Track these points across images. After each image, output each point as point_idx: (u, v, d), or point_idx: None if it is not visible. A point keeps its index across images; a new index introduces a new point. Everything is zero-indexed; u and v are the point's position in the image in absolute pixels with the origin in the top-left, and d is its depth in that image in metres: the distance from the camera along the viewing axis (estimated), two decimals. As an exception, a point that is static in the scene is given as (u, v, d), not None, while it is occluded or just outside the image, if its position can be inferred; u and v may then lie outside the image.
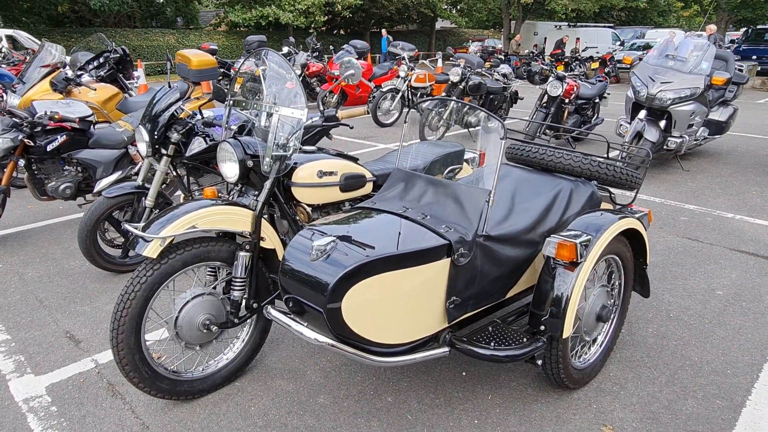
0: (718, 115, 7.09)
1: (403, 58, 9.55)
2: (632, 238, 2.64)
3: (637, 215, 2.65)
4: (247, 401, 2.47)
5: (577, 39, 21.37)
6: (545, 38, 24.17)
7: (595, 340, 2.68)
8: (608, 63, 17.58)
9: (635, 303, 3.34)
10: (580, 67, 13.14)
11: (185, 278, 3.18)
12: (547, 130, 7.55)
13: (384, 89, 9.18)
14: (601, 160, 2.76)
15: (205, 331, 2.38)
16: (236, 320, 2.46)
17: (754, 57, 18.57)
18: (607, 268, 2.65)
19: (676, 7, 32.40)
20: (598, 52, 18.82)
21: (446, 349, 2.20)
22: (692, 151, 7.21)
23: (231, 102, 2.70)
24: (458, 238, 2.09)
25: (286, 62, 2.50)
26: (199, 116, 3.48)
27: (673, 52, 6.28)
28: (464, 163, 3.41)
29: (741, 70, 7.59)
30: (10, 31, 14.41)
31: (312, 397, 2.51)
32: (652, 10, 34.17)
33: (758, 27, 20.75)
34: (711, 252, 4.19)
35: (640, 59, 7.19)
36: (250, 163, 2.47)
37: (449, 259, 2.08)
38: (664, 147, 6.19)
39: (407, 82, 9.17)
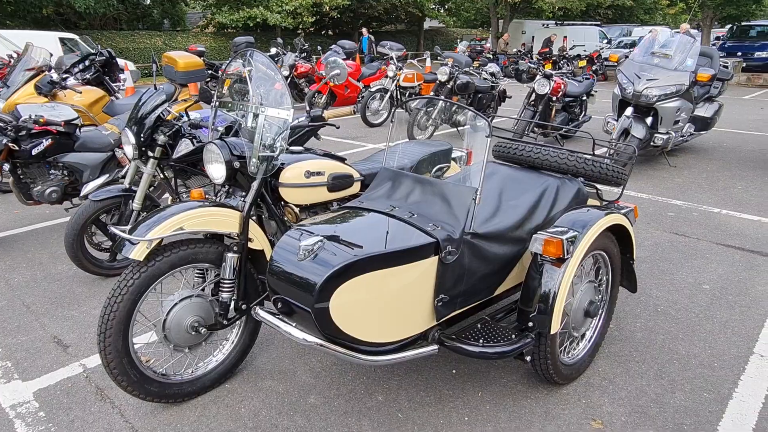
0: (704, 111, 7.16)
1: (392, 58, 9.56)
2: (619, 233, 2.66)
3: (623, 211, 2.67)
4: (237, 402, 2.46)
5: (565, 37, 21.49)
6: (533, 37, 24.27)
7: (583, 336, 2.69)
8: (596, 61, 17.68)
9: (623, 298, 3.37)
10: (568, 66, 13.21)
11: (173, 280, 3.17)
12: (535, 128, 7.59)
13: (372, 89, 9.19)
14: (587, 156, 2.78)
15: (193, 333, 2.37)
16: (225, 322, 2.45)
17: (739, 53, 18.76)
18: (595, 263, 2.66)
19: (661, 4, 32.64)
20: (585, 50, 18.92)
21: (435, 347, 2.21)
22: (679, 147, 7.28)
23: (217, 103, 2.69)
24: (445, 236, 2.09)
25: (271, 63, 2.50)
26: (185, 118, 3.47)
27: (658, 49, 6.34)
28: (452, 162, 3.42)
29: (726, 67, 7.67)
30: (67, 35, 13.86)
31: (302, 397, 2.50)
32: (638, 7, 34.38)
33: (743, 24, 20.97)
34: (698, 246, 4.23)
35: (627, 57, 7.23)
36: (236, 164, 2.47)
37: (437, 257, 2.09)
38: (651, 143, 6.24)
39: (396, 81, 9.18)
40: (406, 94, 9.37)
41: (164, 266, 2.24)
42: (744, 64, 17.97)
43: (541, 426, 2.31)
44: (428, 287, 2.11)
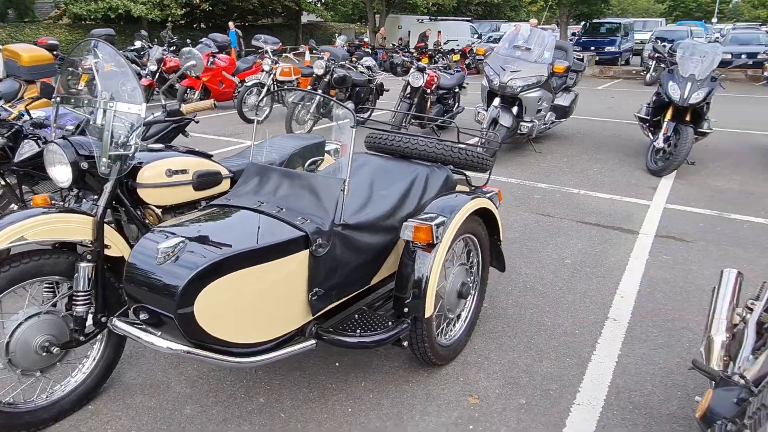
0: (562, 100, 7.76)
1: (267, 52, 9.32)
2: (486, 216, 2.78)
3: (488, 195, 2.80)
4: (102, 424, 2.26)
5: (439, 32, 22.30)
6: (409, 31, 24.95)
7: (459, 317, 2.80)
8: (468, 55, 18.58)
9: (496, 277, 3.55)
10: (443, 59, 13.74)
11: (17, 298, 2.84)
12: (412, 120, 7.79)
13: (249, 84, 8.91)
14: (458, 145, 2.88)
15: (44, 354, 2.13)
16: (82, 338, 2.23)
17: (593, 48, 20.60)
18: (465, 246, 2.77)
19: (525, 2, 35.07)
20: (458, 45, 19.80)
21: (313, 341, 2.17)
22: (543, 134, 7.83)
23: (59, 99, 2.44)
24: (315, 229, 2.06)
25: (118, 54, 2.31)
26: (27, 117, 3.11)
27: (520, 43, 6.76)
28: (326, 155, 3.40)
29: (581, 60, 8.36)
30: None
31: (177, 409, 2.36)
32: (504, 4, 36.70)
33: (594, 21, 23.07)
34: (560, 225, 4.58)
35: (492, 50, 7.65)
36: (84, 165, 2.26)
37: (307, 250, 2.05)
38: (518, 131, 6.65)
39: (272, 76, 8.97)
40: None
41: (2, 282, 1.99)
42: (597, 58, 19.77)
43: (422, 408, 2.37)
44: (301, 282, 2.07)
